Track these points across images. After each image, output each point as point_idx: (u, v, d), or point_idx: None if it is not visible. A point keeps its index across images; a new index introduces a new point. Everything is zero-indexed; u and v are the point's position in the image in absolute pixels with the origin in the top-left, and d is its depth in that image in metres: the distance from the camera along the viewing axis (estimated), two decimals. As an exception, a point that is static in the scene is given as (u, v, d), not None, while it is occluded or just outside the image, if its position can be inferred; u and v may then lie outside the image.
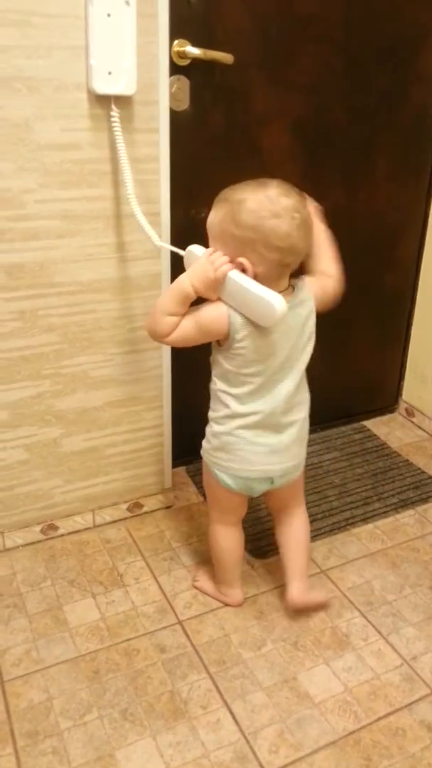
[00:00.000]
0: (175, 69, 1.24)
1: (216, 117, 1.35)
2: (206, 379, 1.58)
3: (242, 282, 0.97)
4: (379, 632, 1.20)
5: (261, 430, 1.07)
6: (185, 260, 1.07)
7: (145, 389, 1.38)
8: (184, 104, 1.30)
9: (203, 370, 1.59)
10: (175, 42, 1.23)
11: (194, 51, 1.24)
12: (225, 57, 1.27)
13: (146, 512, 1.50)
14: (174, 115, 1.26)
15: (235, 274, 0.98)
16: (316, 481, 1.61)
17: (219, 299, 1.01)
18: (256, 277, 0.98)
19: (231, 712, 1.05)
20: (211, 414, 1.12)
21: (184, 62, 1.26)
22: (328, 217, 1.58)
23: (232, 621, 1.21)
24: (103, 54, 1.06)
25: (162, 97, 1.16)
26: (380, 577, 1.33)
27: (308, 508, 1.50)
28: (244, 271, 0.98)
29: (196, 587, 1.28)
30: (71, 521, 1.42)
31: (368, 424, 1.88)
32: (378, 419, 1.91)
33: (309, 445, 1.77)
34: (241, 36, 1.30)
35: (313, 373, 1.83)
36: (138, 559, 1.36)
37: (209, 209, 1.41)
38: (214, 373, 1.08)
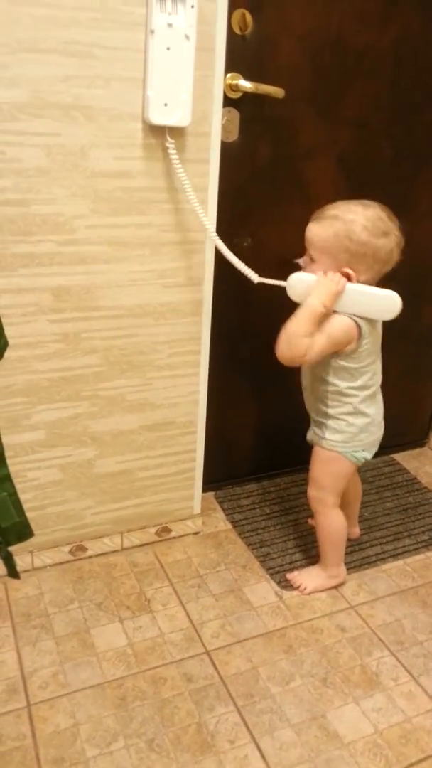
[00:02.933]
0: (226, 101, 1.26)
1: (263, 149, 1.37)
2: (240, 406, 1.58)
3: (360, 288, 1.13)
4: (410, 673, 1.18)
5: (371, 402, 1.25)
6: (291, 289, 1.16)
7: (180, 414, 1.38)
8: (234, 136, 1.32)
9: (238, 397, 1.61)
10: (228, 75, 1.25)
11: (246, 85, 1.27)
12: (276, 91, 1.29)
13: (174, 537, 1.49)
14: (223, 146, 1.27)
15: (350, 285, 1.13)
16: (345, 514, 1.59)
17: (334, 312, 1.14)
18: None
19: (259, 749, 1.03)
20: (334, 411, 1.24)
21: (236, 95, 1.29)
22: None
23: (260, 653, 1.20)
24: (160, 86, 1.08)
25: (214, 129, 1.18)
26: (411, 616, 1.31)
27: (338, 541, 1.50)
28: (349, 279, 1.13)
29: (307, 594, 1.34)
30: (100, 543, 1.42)
31: (398, 457, 1.87)
32: (408, 453, 1.89)
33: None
34: (292, 70, 1.33)
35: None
36: (165, 584, 1.35)
37: (253, 238, 1.43)
38: (332, 377, 1.21)
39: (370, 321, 1.16)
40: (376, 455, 1.84)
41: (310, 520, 1.54)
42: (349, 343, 1.16)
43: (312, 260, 1.16)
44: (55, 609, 1.27)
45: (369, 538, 1.52)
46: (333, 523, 1.33)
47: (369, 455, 1.30)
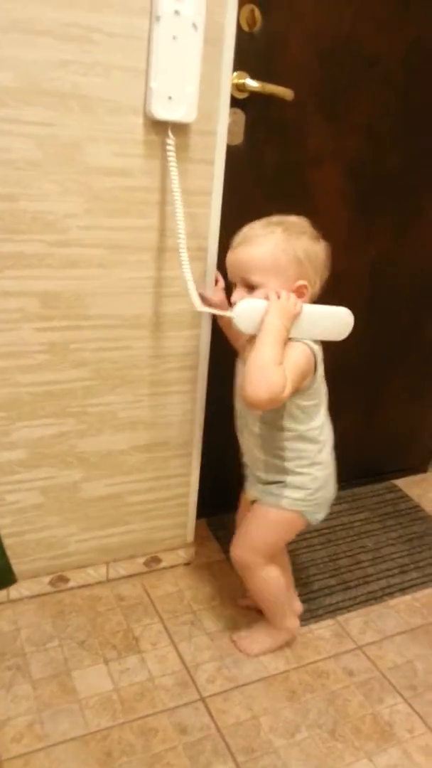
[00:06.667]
0: (232, 102, 1.18)
1: (269, 154, 1.29)
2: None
3: (315, 308, 1.01)
4: (426, 723, 1.07)
5: (329, 449, 1.10)
6: (240, 319, 0.98)
7: (174, 434, 1.28)
8: (238, 138, 1.24)
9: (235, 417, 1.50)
10: (235, 74, 1.17)
11: (253, 84, 1.19)
12: (285, 92, 1.21)
13: (164, 567, 1.38)
14: (227, 149, 1.19)
15: (305, 306, 1.00)
16: (347, 544, 1.50)
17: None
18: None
19: None
20: (294, 464, 1.07)
21: (242, 95, 1.21)
22: (374, 262, 1.52)
23: (260, 701, 1.09)
24: (164, 77, 1.00)
25: (220, 127, 1.10)
26: (422, 657, 1.20)
27: (341, 574, 1.40)
28: (302, 294, 1.01)
29: (252, 656, 1.18)
30: (83, 573, 1.30)
31: (399, 483, 1.78)
32: (410, 479, 1.80)
33: (337, 503, 1.67)
34: (301, 72, 1.25)
35: (344, 425, 1.74)
36: (155, 621, 1.24)
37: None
38: (288, 421, 1.04)
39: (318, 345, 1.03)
40: (376, 481, 1.79)
41: (241, 600, 1.29)
42: (310, 374, 1.01)
43: (252, 288, 1.00)
44: (33, 647, 1.15)
45: (374, 570, 1.42)
46: (270, 581, 1.14)
47: (323, 515, 1.12)
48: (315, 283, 1.03)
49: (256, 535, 1.12)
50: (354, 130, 1.35)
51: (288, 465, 1.07)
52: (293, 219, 1.03)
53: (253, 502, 1.14)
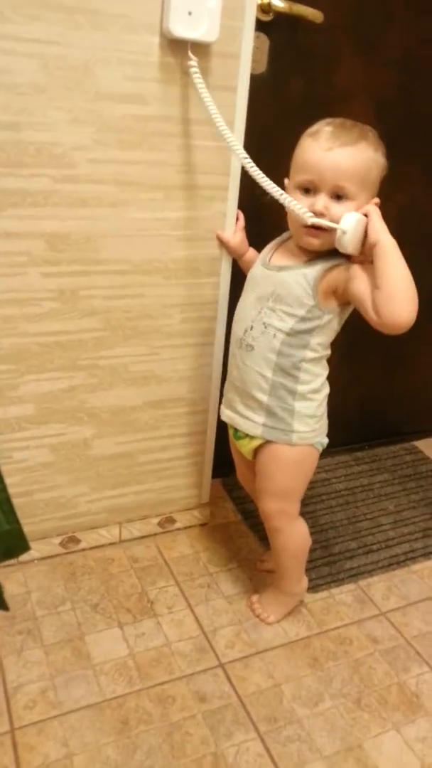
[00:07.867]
0: (256, 25, 1.07)
1: (294, 85, 1.18)
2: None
3: None
4: (454, 693, 1.02)
5: None
6: (350, 233, 0.86)
7: (190, 390, 1.21)
8: (261, 66, 1.14)
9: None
10: (258, -8, 1.06)
11: (279, 4, 1.08)
12: (314, 14, 1.10)
13: (179, 528, 1.32)
14: (250, 78, 1.09)
15: None
16: (367, 506, 1.44)
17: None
18: None
19: (286, 786, 0.87)
20: (305, 387, 0.97)
21: (266, 17, 1.10)
22: (401, 211, 1.42)
23: (282, 668, 1.04)
24: (184, -11, 0.89)
25: (244, 51, 0.99)
26: (449, 624, 1.15)
27: (362, 537, 1.35)
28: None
29: (270, 623, 1.12)
30: (95, 534, 1.25)
31: (419, 444, 1.71)
32: (429, 440, 1.73)
33: (356, 464, 1.61)
34: (331, -7, 1.14)
35: (366, 386, 1.66)
36: (170, 583, 1.19)
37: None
38: (321, 337, 0.94)
39: None
40: (395, 442, 1.72)
41: (260, 564, 1.24)
42: None
43: (340, 198, 0.89)
44: (44, 611, 1.10)
45: (396, 534, 1.36)
46: (300, 537, 1.08)
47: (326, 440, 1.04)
48: None
49: (277, 482, 1.02)
50: (386, 63, 1.25)
51: (299, 388, 0.96)
52: (368, 126, 0.91)
53: (257, 448, 1.02)
